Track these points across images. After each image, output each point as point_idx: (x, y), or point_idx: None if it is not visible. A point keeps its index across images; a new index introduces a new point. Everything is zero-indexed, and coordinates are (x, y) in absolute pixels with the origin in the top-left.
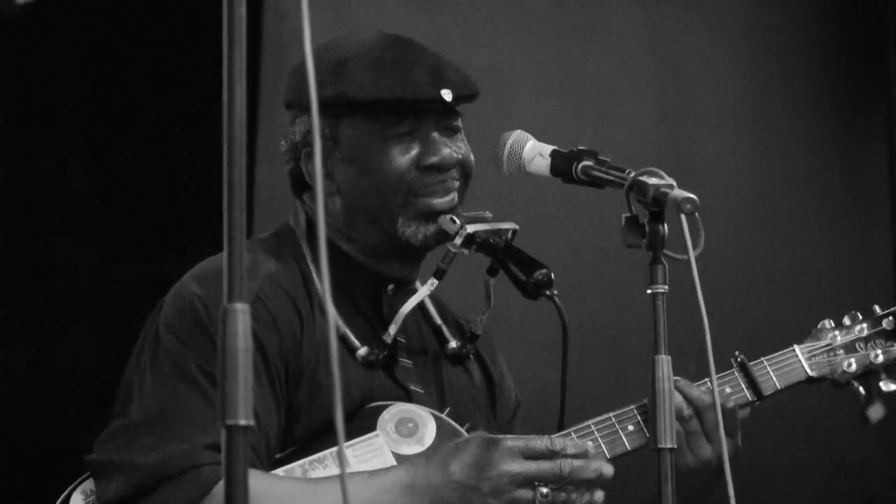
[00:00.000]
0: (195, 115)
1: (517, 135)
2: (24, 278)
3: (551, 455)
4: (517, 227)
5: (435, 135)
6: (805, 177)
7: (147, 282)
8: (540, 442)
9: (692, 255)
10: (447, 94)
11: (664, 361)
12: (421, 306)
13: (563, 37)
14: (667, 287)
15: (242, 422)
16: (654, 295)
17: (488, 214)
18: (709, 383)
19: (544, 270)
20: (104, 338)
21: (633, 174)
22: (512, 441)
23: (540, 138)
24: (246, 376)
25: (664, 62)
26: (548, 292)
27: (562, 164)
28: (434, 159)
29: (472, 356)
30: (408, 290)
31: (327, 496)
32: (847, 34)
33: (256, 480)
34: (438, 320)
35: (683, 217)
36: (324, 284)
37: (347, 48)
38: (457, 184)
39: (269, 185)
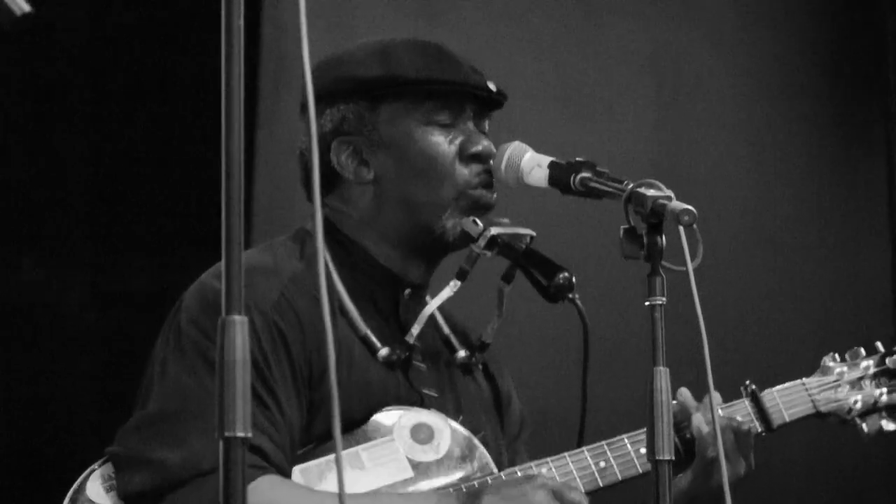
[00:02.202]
0: (194, 125)
1: (515, 146)
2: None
3: None
4: (534, 233)
5: (472, 125)
6: (803, 189)
7: (145, 294)
8: (577, 495)
9: (690, 266)
10: (492, 85)
11: (662, 373)
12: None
13: (561, 49)
14: (665, 299)
15: (241, 433)
16: (653, 307)
17: (506, 220)
18: (720, 410)
19: (565, 274)
20: (103, 349)
21: (631, 185)
22: (549, 480)
23: (538, 150)
24: (244, 388)
25: (663, 75)
26: (570, 295)
27: (560, 175)
28: (477, 148)
29: (480, 367)
30: (421, 296)
31: None
32: (846, 47)
33: (274, 490)
34: (447, 329)
35: (682, 229)
36: (319, 279)
37: (383, 42)
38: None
39: (269, 195)
